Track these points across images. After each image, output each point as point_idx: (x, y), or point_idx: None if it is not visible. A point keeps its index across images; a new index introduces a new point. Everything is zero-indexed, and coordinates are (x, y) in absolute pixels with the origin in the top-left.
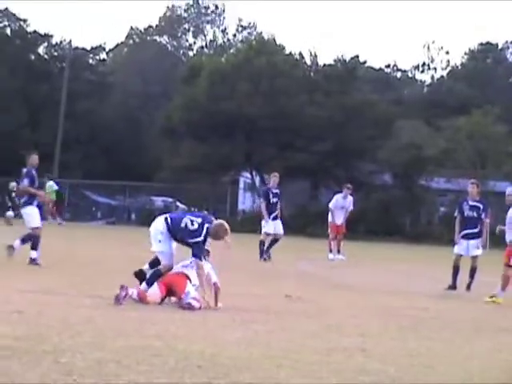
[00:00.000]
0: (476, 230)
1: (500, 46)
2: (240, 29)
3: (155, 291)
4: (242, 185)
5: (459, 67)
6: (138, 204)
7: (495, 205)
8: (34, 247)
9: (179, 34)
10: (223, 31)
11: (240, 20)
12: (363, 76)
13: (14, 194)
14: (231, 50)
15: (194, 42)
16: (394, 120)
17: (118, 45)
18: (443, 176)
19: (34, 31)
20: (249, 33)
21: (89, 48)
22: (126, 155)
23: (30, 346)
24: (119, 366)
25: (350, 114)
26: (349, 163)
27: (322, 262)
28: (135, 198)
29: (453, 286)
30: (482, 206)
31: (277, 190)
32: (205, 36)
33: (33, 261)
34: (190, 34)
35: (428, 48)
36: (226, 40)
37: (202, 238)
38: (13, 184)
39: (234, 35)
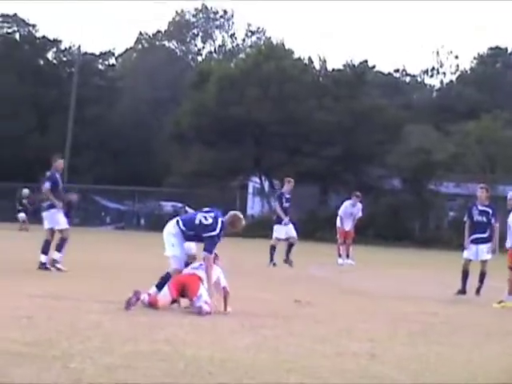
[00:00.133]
0: (485, 235)
1: (509, 51)
2: (249, 34)
3: (165, 294)
4: (251, 190)
5: (468, 72)
6: (147, 209)
7: (504, 209)
8: (45, 252)
9: (188, 39)
10: (232, 36)
11: (249, 25)
12: (372, 81)
13: (25, 201)
14: (240, 55)
15: (203, 47)
16: (403, 125)
17: (127, 50)
18: (452, 181)
19: (43, 36)
20: (258, 38)
21: (98, 53)
22: (135, 160)
23: (40, 351)
24: (128, 371)
25: (359, 118)
26: (358, 168)
27: (331, 267)
28: (144, 203)
29: (462, 291)
30: (491, 211)
31: (289, 196)
32: (213, 41)
33: (42, 264)
34: (199, 39)
35: (437, 53)
36: (234, 45)
37: (217, 232)
38: (25, 191)
39: (243, 40)
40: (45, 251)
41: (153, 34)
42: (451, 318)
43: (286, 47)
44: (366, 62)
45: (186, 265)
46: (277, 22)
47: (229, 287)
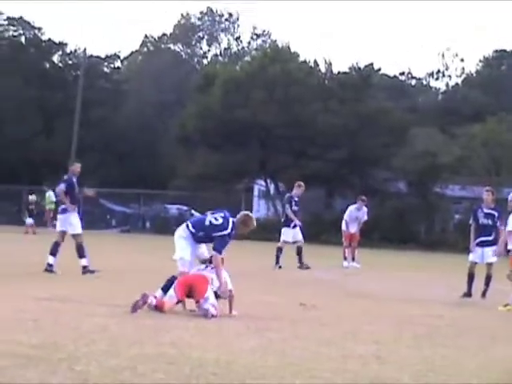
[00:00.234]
0: (491, 238)
1: None
2: (254, 37)
3: (171, 296)
4: (256, 192)
5: (474, 74)
6: (153, 212)
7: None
8: (53, 253)
9: (193, 42)
10: (237, 39)
11: (254, 28)
12: (378, 84)
13: (32, 207)
14: (245, 58)
15: (209, 50)
16: (409, 128)
17: (132, 53)
18: (458, 183)
19: (49, 39)
20: (263, 41)
21: (103, 56)
22: (140, 163)
23: (46, 354)
24: (134, 374)
25: (364, 121)
26: (363, 171)
27: (337, 270)
28: (150, 206)
29: (468, 294)
30: (496, 214)
31: (298, 199)
32: (219, 44)
33: (50, 266)
34: (204, 42)
35: (443, 55)
36: (240, 48)
37: (228, 231)
38: (32, 197)
39: (249, 43)
40: (53, 253)
41: (158, 37)
42: (457, 321)
43: (292, 50)
44: (372, 64)
45: None
46: (282, 25)
47: (234, 290)
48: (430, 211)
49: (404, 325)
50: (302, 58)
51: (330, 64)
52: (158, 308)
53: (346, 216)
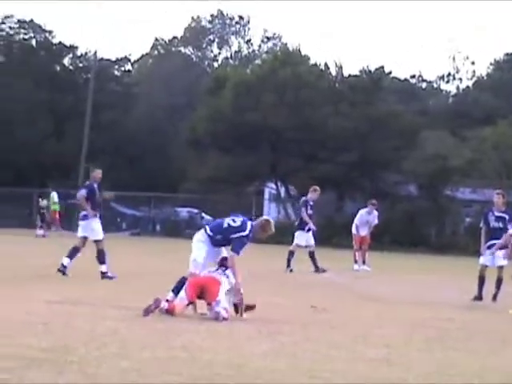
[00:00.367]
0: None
1: None
2: (265, 40)
3: (182, 297)
4: (267, 195)
5: (485, 78)
6: (163, 215)
7: None
8: (70, 256)
9: (204, 45)
10: (248, 42)
11: (265, 31)
12: (388, 87)
13: (44, 211)
14: (256, 61)
15: (219, 53)
16: (420, 130)
17: (142, 56)
18: (469, 186)
19: (60, 42)
20: (274, 44)
21: (114, 59)
22: (150, 166)
23: (56, 356)
24: (145, 377)
25: (375, 124)
26: (374, 174)
27: (348, 273)
28: (160, 209)
29: (478, 297)
30: (507, 217)
31: (312, 203)
32: (229, 47)
33: (63, 267)
34: (215, 44)
35: (453, 58)
36: (250, 51)
37: (246, 233)
38: (42, 202)
39: (259, 46)
40: (70, 256)
41: (169, 40)
42: (467, 324)
43: (302, 53)
44: (382, 67)
45: None
46: (293, 28)
47: (244, 293)
48: (440, 214)
49: (415, 328)
50: (312, 61)
51: (341, 67)
52: (170, 312)
53: (356, 220)
